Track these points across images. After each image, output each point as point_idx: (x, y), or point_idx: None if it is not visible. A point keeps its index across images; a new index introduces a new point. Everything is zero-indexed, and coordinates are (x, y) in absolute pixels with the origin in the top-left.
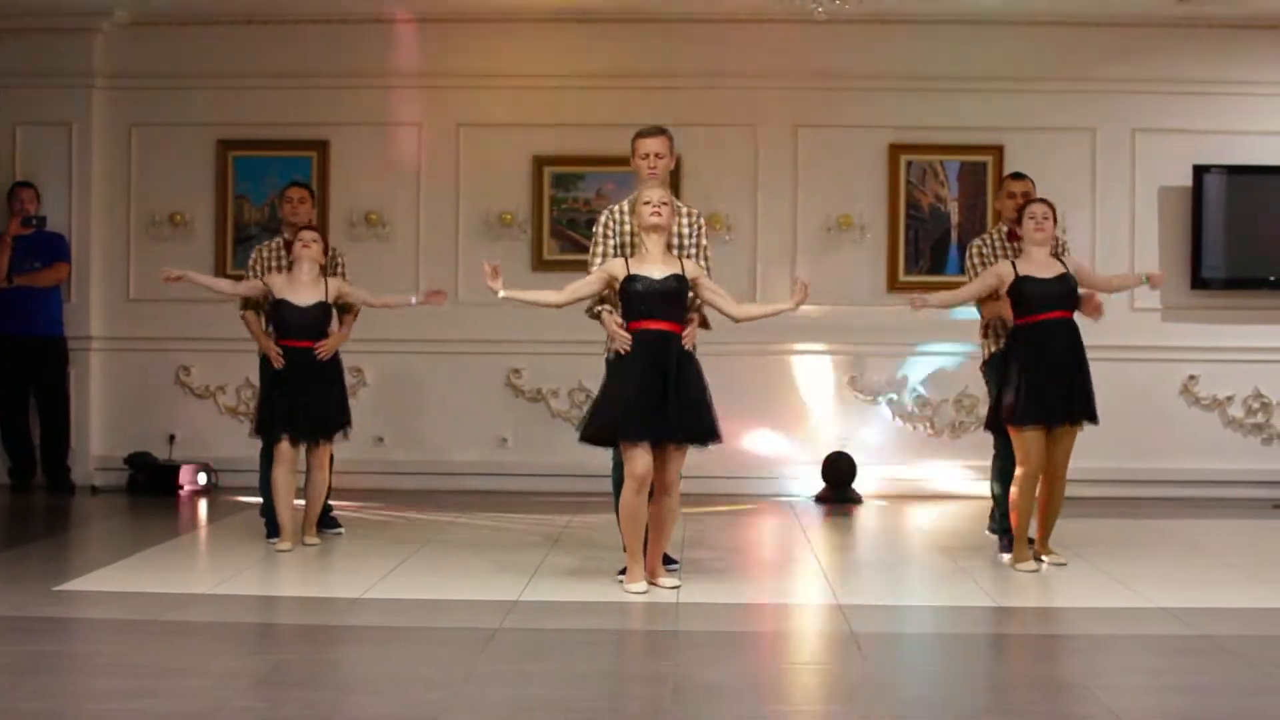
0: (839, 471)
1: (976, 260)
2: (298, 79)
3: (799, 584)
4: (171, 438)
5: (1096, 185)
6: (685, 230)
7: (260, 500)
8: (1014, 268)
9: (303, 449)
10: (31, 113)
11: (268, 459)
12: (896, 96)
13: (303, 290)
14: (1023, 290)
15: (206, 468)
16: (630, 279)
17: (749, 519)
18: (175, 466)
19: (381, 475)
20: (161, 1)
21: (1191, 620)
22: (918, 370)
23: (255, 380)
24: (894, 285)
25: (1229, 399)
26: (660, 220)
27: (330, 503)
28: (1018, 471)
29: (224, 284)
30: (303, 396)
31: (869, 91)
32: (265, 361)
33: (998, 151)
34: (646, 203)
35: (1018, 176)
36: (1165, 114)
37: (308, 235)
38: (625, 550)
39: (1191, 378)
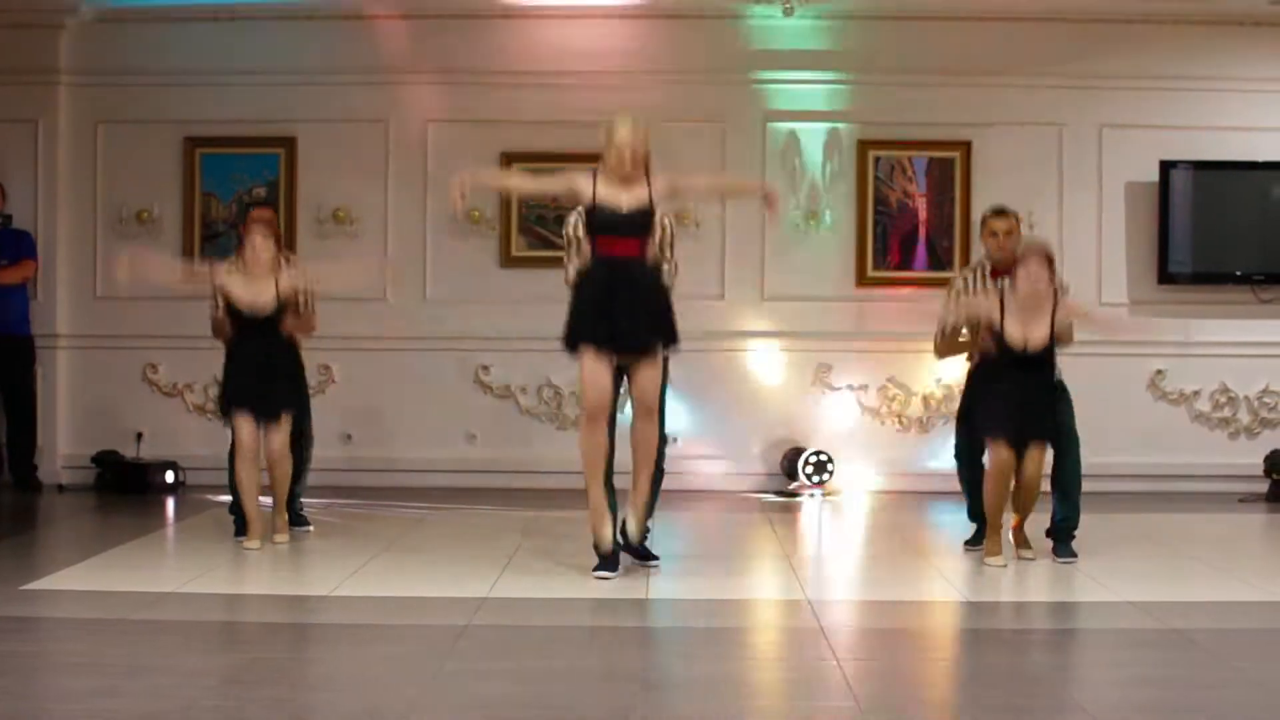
0: (807, 467)
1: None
2: (265, 75)
3: (768, 579)
4: (139, 436)
5: (1063, 181)
6: (665, 221)
7: (229, 498)
8: (1000, 311)
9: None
10: None
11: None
12: (865, 91)
13: (256, 284)
14: (1001, 343)
15: (174, 465)
16: (595, 206)
17: (717, 515)
18: (143, 464)
19: (350, 472)
20: None
21: (1159, 614)
22: (885, 364)
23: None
24: (862, 280)
25: (1196, 393)
26: (628, 169)
27: (302, 500)
28: (989, 466)
29: (177, 278)
30: (256, 374)
31: (836, 86)
32: (229, 351)
33: (965, 147)
34: (615, 147)
35: (999, 214)
36: (1132, 110)
37: (258, 241)
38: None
39: (1159, 372)
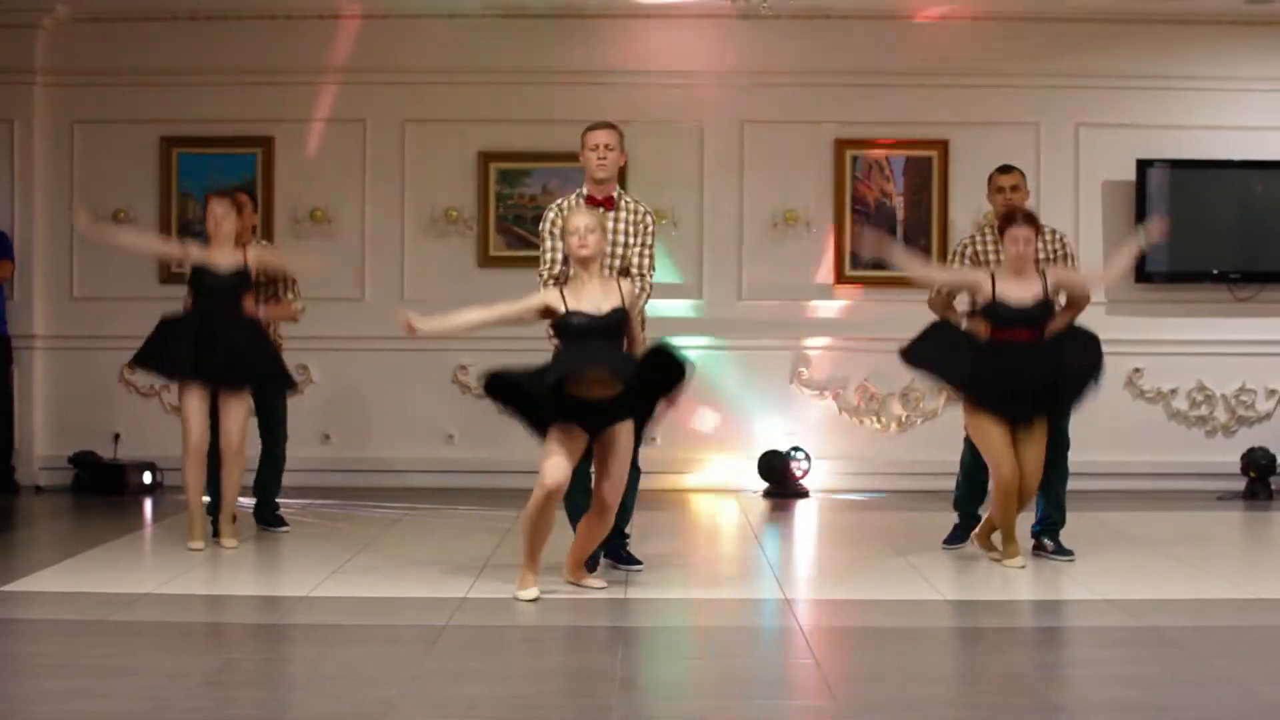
0: (785, 467)
1: (964, 264)
2: (241, 75)
3: (747, 579)
4: (116, 437)
5: (1041, 179)
6: (630, 228)
7: (206, 499)
8: (992, 283)
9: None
10: None
11: (215, 459)
12: (842, 92)
13: (221, 257)
14: (995, 313)
15: (152, 466)
16: (569, 315)
17: (696, 515)
18: (121, 465)
19: (328, 473)
20: None
21: (1137, 612)
22: (864, 365)
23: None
24: (840, 280)
25: (1173, 392)
26: (588, 252)
27: (278, 500)
28: (992, 482)
29: (137, 240)
30: (213, 340)
31: (814, 87)
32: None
33: (943, 146)
34: (573, 233)
35: (1005, 170)
36: (1109, 108)
37: (218, 210)
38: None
39: (1136, 370)
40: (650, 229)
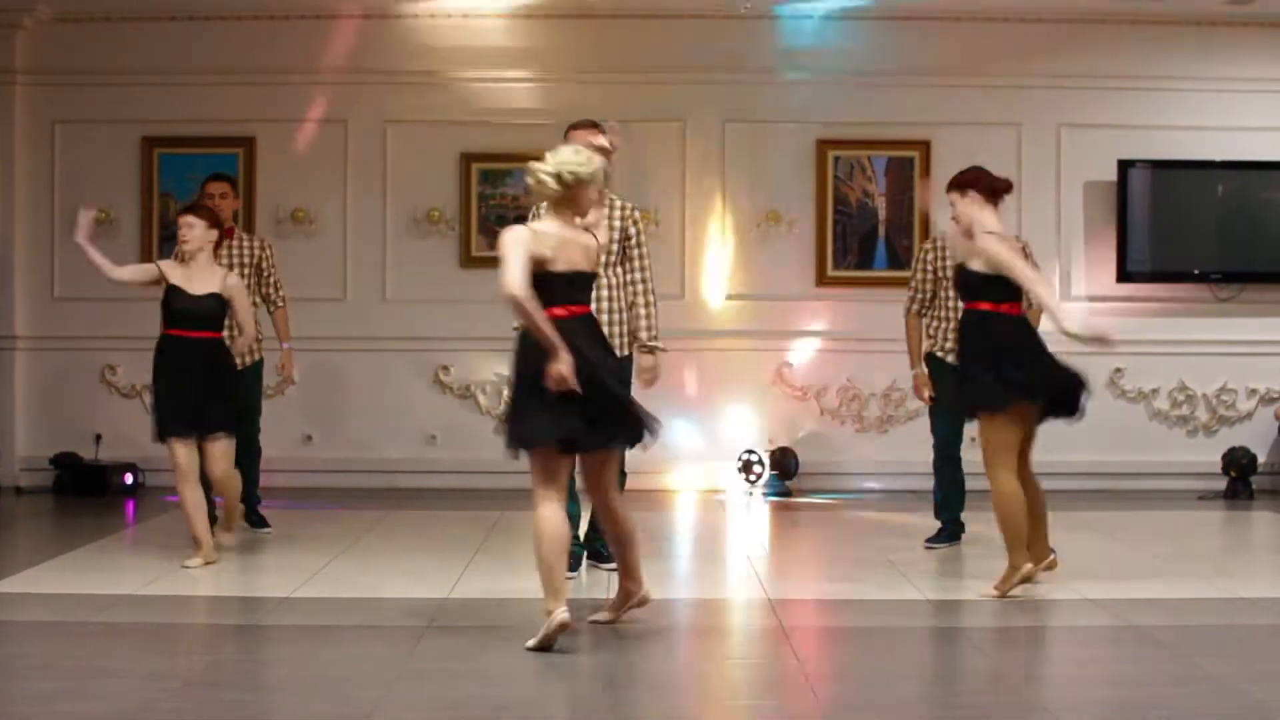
0: (768, 466)
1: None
2: (223, 75)
3: (730, 579)
4: (98, 437)
5: (1022, 180)
6: (626, 227)
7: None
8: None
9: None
10: None
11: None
12: (824, 92)
13: (196, 278)
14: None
15: (133, 467)
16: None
17: (678, 514)
18: (102, 466)
19: (310, 473)
20: None
21: (1119, 611)
22: (846, 364)
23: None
24: (822, 280)
25: (1154, 391)
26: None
27: (260, 495)
28: (994, 495)
29: (111, 269)
30: (190, 392)
31: (797, 86)
32: (156, 358)
33: (924, 146)
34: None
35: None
36: (1090, 109)
37: (184, 220)
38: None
39: (1117, 370)
40: (641, 234)
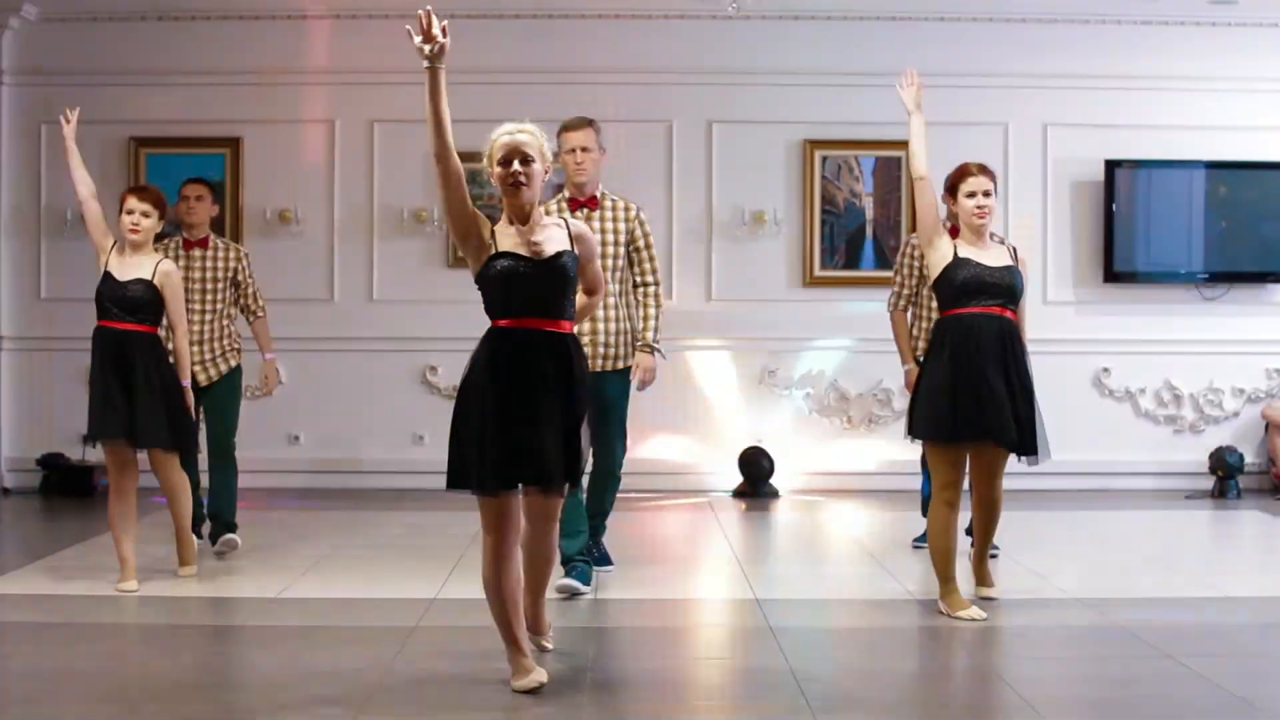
0: (755, 466)
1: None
2: (210, 76)
3: (716, 579)
4: (84, 438)
5: (1009, 180)
6: (616, 224)
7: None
8: (954, 247)
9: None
10: None
11: (192, 461)
12: (811, 92)
13: (130, 263)
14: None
15: None
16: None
17: (665, 515)
18: (89, 467)
19: (297, 474)
20: None
21: (1106, 609)
22: (833, 364)
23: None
24: (809, 280)
25: (1141, 391)
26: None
27: (235, 523)
28: (932, 499)
29: (84, 189)
30: (113, 388)
31: (783, 87)
32: (92, 355)
33: None
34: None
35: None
36: (1077, 109)
37: (137, 208)
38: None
39: (1104, 370)
40: (646, 229)
